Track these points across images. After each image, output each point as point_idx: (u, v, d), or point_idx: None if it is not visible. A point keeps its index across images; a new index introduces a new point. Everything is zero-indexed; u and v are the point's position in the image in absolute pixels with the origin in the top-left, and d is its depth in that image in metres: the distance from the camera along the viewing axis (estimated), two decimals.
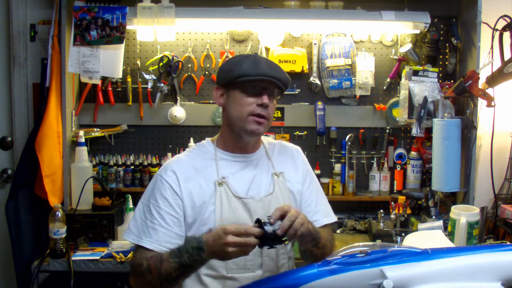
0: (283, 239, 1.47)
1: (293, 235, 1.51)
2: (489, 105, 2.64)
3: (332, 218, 1.90)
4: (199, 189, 1.73)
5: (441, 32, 2.87)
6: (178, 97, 2.88)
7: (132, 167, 2.89)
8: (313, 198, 1.87)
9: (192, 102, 2.93)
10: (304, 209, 1.84)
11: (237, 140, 1.78)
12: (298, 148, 1.96)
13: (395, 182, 2.94)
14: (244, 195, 1.76)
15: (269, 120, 1.74)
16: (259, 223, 1.49)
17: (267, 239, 1.46)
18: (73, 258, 2.35)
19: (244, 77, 1.69)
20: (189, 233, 1.71)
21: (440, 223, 2.38)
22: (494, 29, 2.66)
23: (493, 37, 2.68)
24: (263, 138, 1.91)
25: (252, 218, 1.72)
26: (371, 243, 1.59)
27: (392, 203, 2.68)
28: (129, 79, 2.87)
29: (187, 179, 1.73)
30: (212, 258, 1.52)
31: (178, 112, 2.90)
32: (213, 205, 1.71)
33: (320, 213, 1.86)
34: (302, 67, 2.86)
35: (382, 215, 2.68)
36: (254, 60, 1.72)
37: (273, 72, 1.70)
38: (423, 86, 2.70)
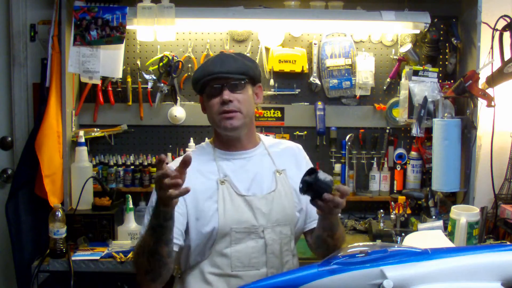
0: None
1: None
2: (489, 105, 2.63)
3: None
4: (203, 188, 1.74)
5: (441, 32, 2.87)
6: (178, 97, 2.88)
7: (132, 167, 2.88)
8: None
9: (192, 102, 2.93)
10: (307, 206, 1.83)
11: (227, 138, 1.81)
12: (299, 146, 1.98)
13: (395, 182, 2.94)
14: (246, 193, 1.77)
15: (242, 112, 1.74)
16: (312, 171, 1.55)
17: (314, 188, 1.53)
18: (73, 258, 2.35)
19: (196, 83, 1.77)
20: (192, 232, 1.71)
21: (440, 223, 2.38)
22: (494, 29, 2.66)
23: (493, 37, 2.67)
24: (262, 137, 1.92)
25: (255, 215, 1.73)
26: (371, 243, 1.59)
27: (392, 203, 2.68)
28: (129, 79, 2.87)
29: (190, 179, 1.72)
30: (162, 206, 1.47)
31: (178, 112, 2.90)
32: (216, 203, 1.72)
33: None
34: (302, 67, 2.86)
35: (382, 215, 2.68)
36: (206, 62, 1.78)
37: (221, 68, 1.72)
38: (423, 86, 2.69)
